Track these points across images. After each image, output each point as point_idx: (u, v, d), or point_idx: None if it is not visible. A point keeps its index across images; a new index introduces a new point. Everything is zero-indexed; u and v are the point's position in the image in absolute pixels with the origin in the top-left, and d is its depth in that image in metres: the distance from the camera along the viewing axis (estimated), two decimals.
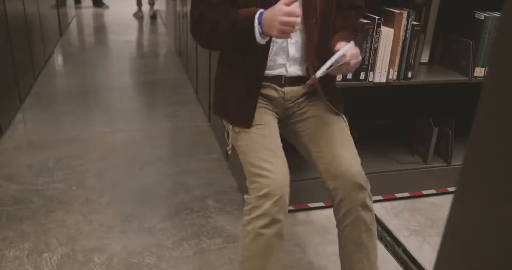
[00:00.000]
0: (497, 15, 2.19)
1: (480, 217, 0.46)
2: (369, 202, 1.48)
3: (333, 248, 1.98)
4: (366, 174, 2.36)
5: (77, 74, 4.53)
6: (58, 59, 5.04)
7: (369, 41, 2.01)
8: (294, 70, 1.58)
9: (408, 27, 2.03)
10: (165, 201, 2.35)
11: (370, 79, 2.09)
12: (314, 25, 1.51)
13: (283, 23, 1.31)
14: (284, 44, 1.53)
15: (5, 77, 3.15)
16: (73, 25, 6.80)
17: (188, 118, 3.45)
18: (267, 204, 1.33)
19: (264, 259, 1.38)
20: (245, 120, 1.52)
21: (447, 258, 0.51)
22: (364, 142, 2.60)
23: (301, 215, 2.24)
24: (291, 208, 2.24)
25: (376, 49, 2.04)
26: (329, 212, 2.23)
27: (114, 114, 3.47)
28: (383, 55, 2.06)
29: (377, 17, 2.00)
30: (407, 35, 2.05)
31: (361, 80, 2.07)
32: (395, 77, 2.11)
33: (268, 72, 1.55)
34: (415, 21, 2.06)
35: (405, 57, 2.09)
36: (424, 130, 2.43)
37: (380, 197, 2.36)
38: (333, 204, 1.51)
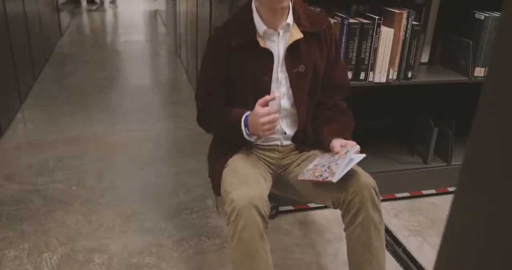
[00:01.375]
0: (497, 15, 2.19)
1: (480, 217, 0.46)
2: (378, 202, 1.49)
3: (333, 248, 1.99)
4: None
5: (77, 74, 4.53)
6: (58, 59, 5.04)
7: (369, 41, 2.01)
8: (288, 142, 1.71)
9: (408, 27, 2.03)
10: (165, 201, 2.35)
11: (370, 79, 2.09)
12: (303, 109, 1.65)
13: (265, 123, 1.46)
14: (278, 127, 1.62)
15: (5, 77, 3.15)
16: (73, 25, 6.80)
17: (188, 118, 3.45)
18: (238, 207, 1.38)
19: (249, 263, 1.41)
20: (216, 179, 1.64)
21: (447, 258, 0.51)
22: (364, 142, 2.60)
23: (301, 215, 2.24)
24: (291, 208, 2.24)
25: (376, 49, 2.04)
26: (329, 212, 2.23)
27: (114, 114, 3.47)
28: (383, 55, 2.06)
29: (377, 17, 2.00)
30: (407, 35, 2.05)
31: (361, 80, 2.07)
32: (395, 77, 2.11)
33: (262, 143, 1.69)
34: (415, 21, 2.06)
35: (405, 57, 2.09)
36: (424, 130, 2.43)
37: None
38: (342, 208, 1.52)
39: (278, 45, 1.59)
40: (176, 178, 2.58)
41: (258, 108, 1.47)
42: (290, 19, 1.58)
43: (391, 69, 2.09)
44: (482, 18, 2.18)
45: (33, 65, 4.00)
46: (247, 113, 1.54)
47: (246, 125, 1.53)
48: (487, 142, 0.45)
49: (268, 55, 1.57)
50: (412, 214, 2.30)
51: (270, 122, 1.46)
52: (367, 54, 2.03)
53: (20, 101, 3.49)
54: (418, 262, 1.94)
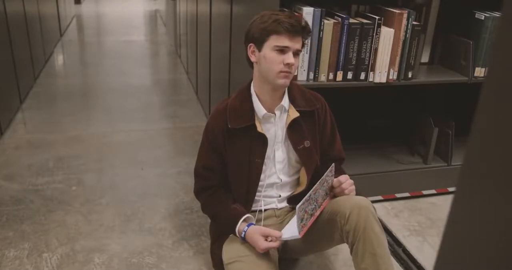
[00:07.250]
0: (497, 15, 2.19)
1: (480, 217, 0.46)
2: (375, 215, 1.52)
3: (333, 248, 1.98)
4: (366, 174, 2.36)
5: (77, 74, 4.54)
6: (58, 59, 5.04)
7: (369, 41, 2.01)
8: (284, 204, 1.80)
9: (408, 27, 2.03)
10: (165, 201, 2.35)
11: (371, 79, 2.08)
12: (310, 179, 1.71)
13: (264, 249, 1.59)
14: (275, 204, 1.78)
15: (5, 77, 3.15)
16: (73, 25, 6.80)
17: (188, 118, 3.45)
18: None
19: None
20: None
21: (447, 258, 0.51)
22: (364, 142, 2.60)
23: None
24: None
25: (376, 49, 2.04)
26: None
27: (114, 114, 3.47)
28: (383, 55, 2.06)
29: (377, 17, 2.00)
30: (407, 35, 2.05)
31: (361, 80, 2.07)
32: (395, 77, 2.11)
33: (259, 208, 1.78)
34: (415, 21, 2.06)
35: (405, 57, 2.09)
36: (424, 130, 2.43)
37: (380, 197, 2.36)
38: (343, 230, 1.53)
39: (275, 126, 1.67)
40: (176, 178, 2.58)
41: (261, 247, 1.57)
42: (285, 101, 1.66)
43: (391, 70, 2.09)
44: (482, 18, 2.18)
45: (33, 65, 4.00)
46: (250, 225, 1.63)
47: (244, 232, 1.63)
48: (487, 142, 0.45)
49: (263, 139, 1.65)
50: (412, 214, 2.30)
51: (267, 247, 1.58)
52: (367, 54, 2.03)
53: (20, 101, 3.49)
54: (418, 262, 1.94)
